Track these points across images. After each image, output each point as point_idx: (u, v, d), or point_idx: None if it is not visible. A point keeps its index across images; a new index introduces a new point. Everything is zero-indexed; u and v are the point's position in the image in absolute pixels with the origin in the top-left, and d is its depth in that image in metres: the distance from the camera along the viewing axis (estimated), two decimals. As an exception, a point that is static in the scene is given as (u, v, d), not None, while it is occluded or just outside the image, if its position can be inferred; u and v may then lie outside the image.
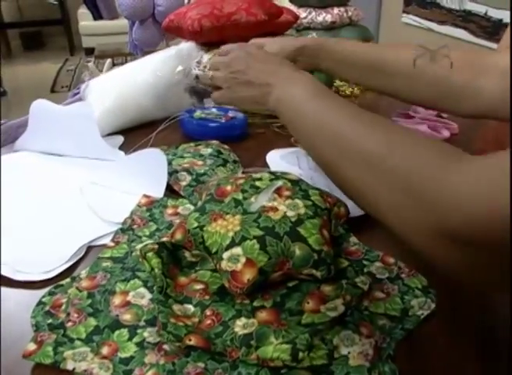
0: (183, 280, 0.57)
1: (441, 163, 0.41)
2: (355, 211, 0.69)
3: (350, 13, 1.61)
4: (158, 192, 0.75)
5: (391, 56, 0.79)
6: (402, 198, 0.42)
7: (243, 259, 0.51)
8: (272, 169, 0.84)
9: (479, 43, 2.96)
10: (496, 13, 2.87)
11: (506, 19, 2.83)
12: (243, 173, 0.83)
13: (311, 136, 0.55)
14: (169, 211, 0.71)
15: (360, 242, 0.65)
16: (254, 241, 0.52)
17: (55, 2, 5.61)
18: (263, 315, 0.52)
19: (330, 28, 1.60)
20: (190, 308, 0.53)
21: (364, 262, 0.62)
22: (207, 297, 0.54)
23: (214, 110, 1.00)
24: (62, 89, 4.65)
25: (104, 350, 0.48)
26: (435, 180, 0.40)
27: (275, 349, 0.46)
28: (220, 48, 0.80)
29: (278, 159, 0.87)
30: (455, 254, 0.39)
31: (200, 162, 0.82)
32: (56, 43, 5.99)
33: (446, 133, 1.01)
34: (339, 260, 0.59)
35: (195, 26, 1.14)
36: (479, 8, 3.05)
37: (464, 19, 3.16)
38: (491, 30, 2.94)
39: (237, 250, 0.52)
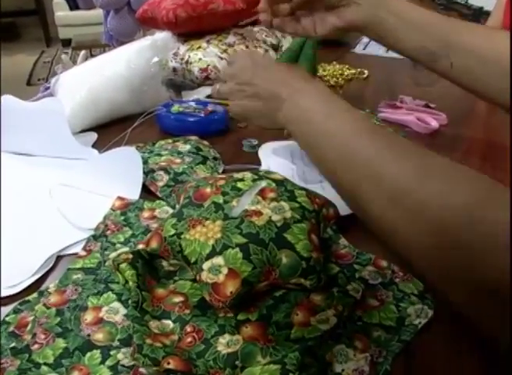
0: (160, 292, 0.52)
1: (478, 210, 0.35)
2: (344, 209, 0.65)
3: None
4: (134, 194, 0.70)
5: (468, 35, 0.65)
6: (433, 241, 0.37)
7: (225, 270, 0.47)
8: (264, 163, 0.79)
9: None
10: (476, 1, 2.84)
11: (487, 7, 2.82)
12: (223, 171, 0.79)
13: (328, 160, 0.49)
14: (145, 214, 0.66)
15: (350, 244, 0.61)
16: (237, 249, 0.47)
17: (29, -8, 5.46)
18: (248, 330, 0.47)
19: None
20: (169, 324, 0.49)
21: (356, 267, 0.58)
22: (187, 311, 0.50)
23: (192, 104, 0.95)
24: (39, 82, 4.53)
25: (74, 375, 0.44)
26: (469, 230, 0.34)
27: (262, 370, 0.42)
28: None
29: (270, 153, 0.83)
30: (495, 311, 0.34)
31: (178, 160, 0.77)
32: (32, 34, 5.85)
33: (434, 124, 0.97)
34: (329, 266, 0.55)
35: (170, 17, 1.09)
36: (460, -3, 3.02)
37: (446, 7, 3.13)
38: (472, 18, 2.91)
39: (218, 260, 0.47)
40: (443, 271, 0.37)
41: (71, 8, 5.25)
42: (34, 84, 4.52)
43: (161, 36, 1.01)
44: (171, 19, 1.10)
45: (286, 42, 1.30)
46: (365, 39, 1.66)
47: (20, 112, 0.85)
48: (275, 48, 1.28)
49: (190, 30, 1.15)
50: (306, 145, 0.55)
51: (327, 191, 0.71)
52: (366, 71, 1.29)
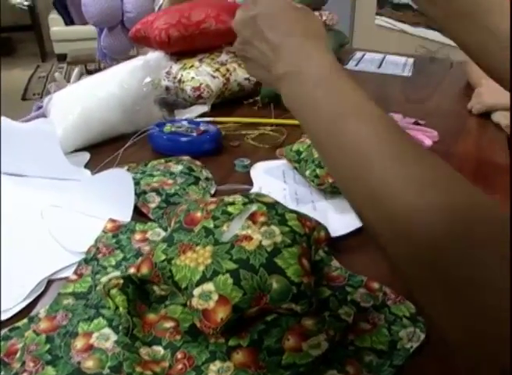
0: (151, 317, 0.52)
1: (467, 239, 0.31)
2: (335, 230, 0.65)
3: (324, 17, 1.59)
4: (125, 216, 0.70)
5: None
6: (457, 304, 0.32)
7: (215, 296, 0.47)
8: (256, 183, 0.79)
9: (451, 44, 2.98)
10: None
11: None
12: (216, 191, 0.79)
13: (323, 143, 0.42)
14: (137, 237, 0.66)
15: (342, 266, 0.61)
16: (227, 275, 0.47)
17: (25, 8, 5.48)
18: (239, 356, 0.47)
19: (304, 33, 1.57)
20: (160, 350, 0.49)
21: (348, 289, 0.58)
22: (178, 337, 0.50)
23: (185, 123, 0.95)
24: (34, 96, 4.53)
25: (63, 406, 0.43)
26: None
27: (253, 399, 0.42)
28: None
29: (262, 173, 0.83)
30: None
31: (170, 181, 0.77)
32: (27, 49, 5.86)
33: (427, 142, 0.98)
34: (321, 290, 0.55)
35: (163, 37, 1.10)
36: (450, 10, 3.06)
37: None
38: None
39: (209, 286, 0.47)
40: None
41: (66, 24, 5.26)
42: (29, 99, 4.52)
43: (154, 56, 1.01)
44: (164, 38, 1.11)
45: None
46: (358, 55, 1.68)
47: (13, 133, 0.84)
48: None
49: (182, 49, 1.16)
50: (294, 110, 0.46)
51: (318, 211, 0.71)
52: (358, 88, 1.30)
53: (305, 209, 0.67)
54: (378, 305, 0.56)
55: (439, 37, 3.14)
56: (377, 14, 3.64)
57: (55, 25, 5.28)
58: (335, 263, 0.62)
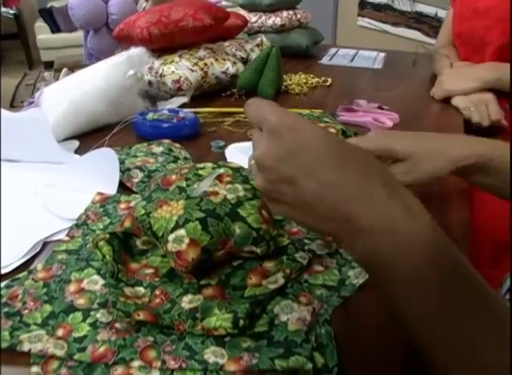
0: (134, 265, 0.61)
1: None
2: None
3: (298, 16, 1.68)
4: (111, 189, 0.78)
5: None
6: None
7: (186, 240, 0.55)
8: (230, 160, 0.88)
9: (431, 42, 3.09)
10: (444, 14, 2.99)
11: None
12: (193, 167, 0.87)
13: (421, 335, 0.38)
14: (122, 206, 0.75)
15: (302, 223, 0.70)
16: (197, 222, 0.56)
17: (11, 16, 5.54)
18: (208, 291, 0.56)
19: (280, 31, 1.66)
20: (141, 290, 0.57)
21: (305, 241, 0.66)
22: (157, 279, 0.58)
23: (165, 111, 1.04)
24: (22, 104, 4.59)
25: (59, 332, 0.51)
26: None
27: (217, 319, 0.50)
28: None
29: (236, 152, 0.91)
30: None
31: (152, 160, 0.86)
32: (14, 57, 5.92)
33: (389, 123, 1.07)
34: (280, 239, 0.63)
35: (144, 34, 1.18)
36: (429, 10, 3.18)
37: (417, 20, 3.29)
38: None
39: (181, 232, 0.56)
40: None
41: (53, 31, 5.33)
42: (17, 106, 4.58)
43: (136, 51, 1.10)
44: (145, 36, 1.19)
45: (255, 56, 1.40)
46: (332, 51, 1.78)
47: (6, 122, 0.92)
48: (244, 61, 1.38)
49: (163, 45, 1.25)
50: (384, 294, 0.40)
51: None
52: (329, 79, 1.39)
53: None
54: (332, 252, 0.64)
55: (419, 36, 3.26)
56: (359, 15, 3.75)
57: (42, 33, 5.35)
58: (296, 221, 0.70)
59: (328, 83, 1.38)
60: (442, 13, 3.05)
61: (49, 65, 5.06)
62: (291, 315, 0.53)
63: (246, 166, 0.69)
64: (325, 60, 1.66)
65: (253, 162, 0.42)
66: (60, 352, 0.49)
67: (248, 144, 0.94)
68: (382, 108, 1.13)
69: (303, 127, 0.39)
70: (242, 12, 1.67)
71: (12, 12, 5.56)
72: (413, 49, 1.61)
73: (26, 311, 0.54)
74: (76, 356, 0.48)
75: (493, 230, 1.02)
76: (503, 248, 0.99)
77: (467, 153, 0.65)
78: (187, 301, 0.54)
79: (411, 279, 0.36)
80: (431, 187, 0.81)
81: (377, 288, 0.41)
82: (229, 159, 0.89)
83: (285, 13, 1.65)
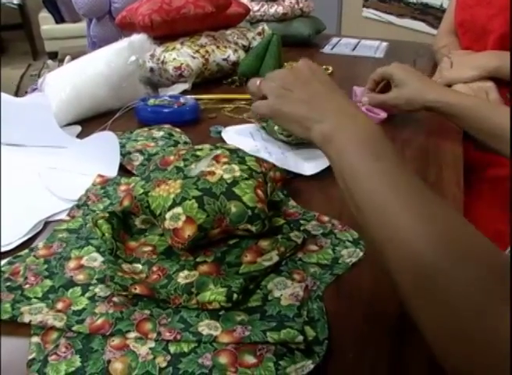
0: (132, 244, 0.62)
1: (488, 297, 0.35)
2: (307, 170, 0.76)
3: (301, 5, 1.68)
4: (112, 172, 0.79)
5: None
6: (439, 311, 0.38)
7: (183, 217, 0.56)
8: (230, 143, 0.89)
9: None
10: (450, 5, 2.99)
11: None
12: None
13: (360, 202, 0.46)
14: (122, 188, 0.76)
15: (298, 205, 0.71)
16: (193, 200, 0.57)
17: (15, 6, 5.55)
18: (204, 267, 0.57)
19: (282, 19, 1.67)
20: (139, 266, 0.58)
21: (301, 222, 0.68)
22: (154, 256, 0.60)
23: (166, 97, 1.05)
24: (26, 94, 4.61)
25: (59, 305, 0.53)
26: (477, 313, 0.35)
27: (212, 293, 0.52)
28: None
29: (233, 134, 0.93)
30: None
31: (152, 144, 0.87)
32: (18, 48, 5.93)
33: (383, 115, 1.07)
34: (276, 219, 0.65)
35: (146, 21, 1.19)
36: (435, 1, 3.16)
37: (422, 11, 3.27)
38: (446, 20, 3.04)
39: (178, 209, 0.57)
40: (444, 343, 0.38)
41: (57, 22, 5.33)
42: (22, 97, 4.60)
43: (138, 37, 1.11)
44: (147, 23, 1.20)
45: (256, 44, 1.40)
46: (334, 40, 1.78)
47: (10, 106, 0.94)
48: (246, 49, 1.39)
49: (165, 33, 1.25)
50: (337, 172, 0.50)
51: (289, 158, 0.82)
52: (330, 67, 1.40)
53: (276, 158, 0.78)
54: (326, 232, 0.66)
55: (425, 27, 3.25)
56: (364, 6, 3.73)
57: (46, 23, 5.34)
58: (292, 203, 0.72)
59: (329, 72, 1.39)
60: (447, 4, 3.04)
61: (53, 55, 5.07)
62: (284, 291, 0.55)
63: (243, 147, 0.71)
64: (326, 49, 1.67)
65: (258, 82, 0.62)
66: (59, 324, 0.50)
67: (245, 127, 0.95)
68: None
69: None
70: (244, 0, 1.67)
71: (16, 2, 5.56)
72: (417, 40, 1.61)
73: (27, 285, 0.56)
74: (75, 328, 0.50)
75: (490, 220, 1.03)
76: (500, 237, 1.00)
77: (438, 99, 0.90)
78: (183, 277, 0.55)
79: (356, 153, 0.48)
80: (426, 165, 0.83)
81: (332, 164, 0.51)
82: (226, 140, 0.90)
83: (287, 2, 1.66)
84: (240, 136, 0.90)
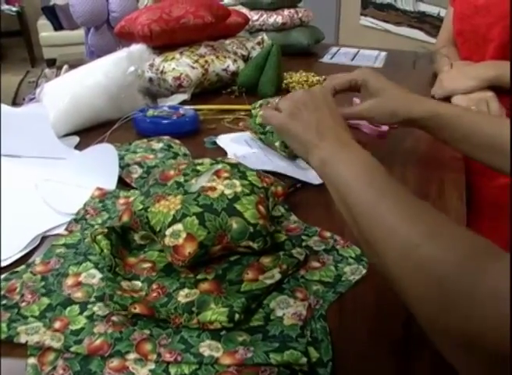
0: (131, 260, 0.61)
1: (478, 262, 0.37)
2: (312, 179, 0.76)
3: (300, 14, 1.68)
4: (111, 185, 0.78)
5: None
6: (430, 292, 0.39)
7: (183, 234, 0.55)
8: (229, 151, 0.90)
9: (434, 42, 3.09)
10: (447, 14, 3.00)
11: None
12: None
13: (355, 215, 0.49)
14: (121, 201, 0.75)
15: (299, 220, 0.70)
16: (194, 217, 0.56)
17: (14, 13, 5.55)
18: (205, 285, 0.56)
19: (281, 29, 1.66)
20: (138, 284, 0.57)
21: (303, 237, 0.67)
22: (154, 273, 0.58)
23: (166, 108, 1.04)
24: (24, 101, 4.60)
25: (57, 324, 0.52)
26: (470, 282, 0.36)
27: (213, 313, 0.51)
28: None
29: (228, 141, 0.92)
30: (474, 362, 0.36)
31: (151, 156, 0.86)
32: (16, 55, 5.92)
33: (384, 127, 1.06)
34: (277, 235, 0.64)
35: (145, 31, 1.19)
36: (432, 9, 3.18)
37: (419, 19, 3.29)
38: (444, 29, 3.04)
39: (178, 226, 0.56)
40: (441, 325, 0.38)
41: (55, 29, 5.34)
42: (20, 104, 4.56)
43: (137, 47, 1.10)
44: (146, 33, 1.20)
45: (256, 54, 1.40)
46: (333, 50, 1.78)
47: (7, 117, 0.93)
48: (245, 59, 1.39)
49: (164, 42, 1.25)
50: (334, 196, 0.54)
51: (290, 166, 0.82)
52: (330, 78, 1.39)
53: (278, 165, 0.79)
54: (329, 248, 0.64)
55: (422, 35, 3.26)
56: (361, 14, 3.75)
57: (44, 30, 5.35)
58: (293, 218, 0.71)
59: (328, 82, 1.38)
60: (444, 13, 3.06)
61: (51, 62, 5.07)
62: (287, 310, 0.54)
63: (247, 154, 0.71)
64: (326, 58, 1.66)
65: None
66: (57, 344, 0.49)
67: (240, 135, 0.95)
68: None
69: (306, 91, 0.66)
70: (243, 10, 1.67)
71: (14, 9, 5.57)
72: (415, 49, 1.61)
73: (23, 303, 0.55)
74: (73, 348, 0.49)
75: (492, 233, 1.02)
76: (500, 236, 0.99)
77: (425, 109, 0.79)
78: (184, 296, 0.54)
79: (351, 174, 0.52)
80: (428, 179, 0.82)
81: (328, 185, 0.55)
82: (223, 146, 0.90)
83: (286, 12, 1.66)
84: (235, 143, 0.90)
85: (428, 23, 3.24)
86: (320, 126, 0.59)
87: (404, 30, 3.41)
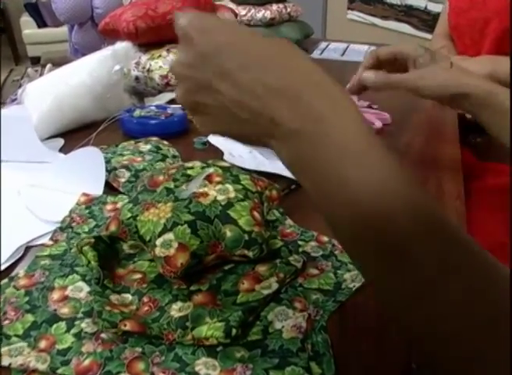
0: (121, 271, 0.58)
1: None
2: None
3: (289, 9, 1.65)
4: (97, 190, 0.75)
5: None
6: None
7: (175, 244, 0.52)
8: (224, 149, 0.87)
9: (421, 36, 3.08)
10: (434, 7, 2.99)
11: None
12: (182, 166, 0.84)
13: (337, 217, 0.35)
14: (108, 207, 0.72)
15: (295, 224, 0.68)
16: (185, 225, 0.53)
17: (-4, 11, 5.45)
18: (199, 297, 0.53)
19: (270, 24, 1.63)
20: (128, 297, 0.54)
21: (300, 243, 0.64)
22: (144, 285, 0.55)
23: (153, 108, 1.01)
24: (6, 103, 4.52)
25: (42, 344, 0.49)
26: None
27: (209, 328, 0.48)
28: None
29: (222, 140, 0.89)
30: None
31: (139, 159, 0.83)
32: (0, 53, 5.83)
33: (378, 124, 1.04)
34: (273, 241, 0.61)
35: (130, 28, 1.15)
36: (419, 3, 3.16)
37: (406, 13, 3.27)
38: (431, 23, 3.04)
39: (169, 236, 0.53)
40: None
41: (39, 26, 5.24)
42: (4, 103, 4.51)
43: (122, 45, 1.07)
44: (131, 30, 1.16)
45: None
46: (322, 45, 1.75)
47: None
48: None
49: (150, 40, 1.21)
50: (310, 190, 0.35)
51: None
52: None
53: (274, 166, 0.76)
54: (327, 254, 0.62)
55: (409, 29, 3.24)
56: (348, 8, 3.73)
57: (27, 28, 5.25)
58: (289, 222, 0.68)
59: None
60: (431, 6, 3.04)
61: (36, 60, 4.98)
62: (286, 322, 0.51)
63: (243, 153, 0.67)
64: (315, 54, 1.64)
65: None
66: (42, 366, 0.46)
67: None
68: (372, 107, 1.11)
69: (216, 28, 0.37)
70: (231, 5, 1.64)
71: (-4, 6, 5.47)
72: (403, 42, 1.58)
73: (6, 321, 0.51)
74: (60, 370, 0.46)
75: (489, 232, 1.00)
76: (499, 249, 0.97)
77: (476, 83, 0.72)
78: (177, 309, 0.51)
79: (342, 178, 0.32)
80: (425, 177, 0.80)
81: (308, 192, 0.36)
82: (215, 144, 0.88)
83: (275, 6, 1.63)
84: (231, 142, 0.87)
85: (415, 17, 3.22)
86: (247, 108, 0.35)
87: (391, 24, 3.39)
